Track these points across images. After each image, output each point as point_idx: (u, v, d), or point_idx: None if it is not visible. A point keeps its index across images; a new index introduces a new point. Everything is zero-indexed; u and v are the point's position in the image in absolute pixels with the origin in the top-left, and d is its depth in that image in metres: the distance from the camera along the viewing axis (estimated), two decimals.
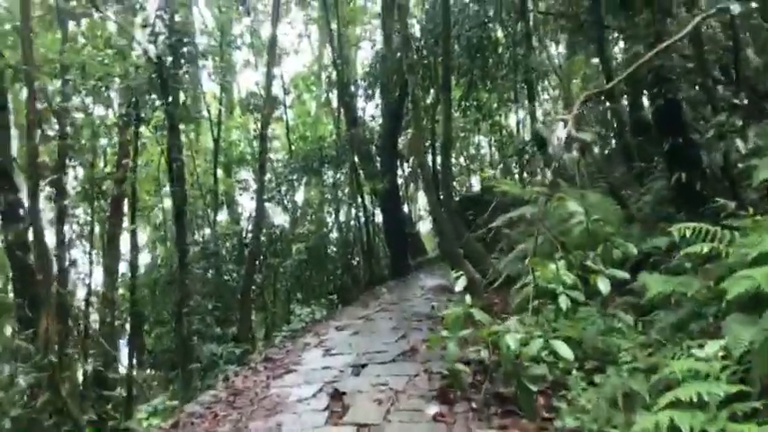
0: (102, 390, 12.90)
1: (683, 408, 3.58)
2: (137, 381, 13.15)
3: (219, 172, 19.82)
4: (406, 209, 22.27)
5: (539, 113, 14.24)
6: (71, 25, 15.18)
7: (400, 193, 20.50)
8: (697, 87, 7.98)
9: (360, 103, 19.93)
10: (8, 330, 15.40)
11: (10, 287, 14.54)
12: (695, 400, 3.54)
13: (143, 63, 12.55)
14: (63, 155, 13.66)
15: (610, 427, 4.11)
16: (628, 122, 12.06)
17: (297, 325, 11.32)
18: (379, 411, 5.32)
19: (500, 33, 16.34)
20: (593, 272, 5.29)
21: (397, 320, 9.79)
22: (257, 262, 15.76)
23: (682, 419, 3.45)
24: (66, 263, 14.15)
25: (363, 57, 24.21)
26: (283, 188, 19.12)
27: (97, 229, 17.46)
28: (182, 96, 13.90)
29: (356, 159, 17.78)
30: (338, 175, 18.95)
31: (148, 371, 16.49)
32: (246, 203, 21.22)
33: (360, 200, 17.59)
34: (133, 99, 13.83)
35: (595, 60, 15.45)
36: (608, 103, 12.13)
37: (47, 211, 15.00)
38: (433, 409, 5.19)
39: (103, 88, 13.57)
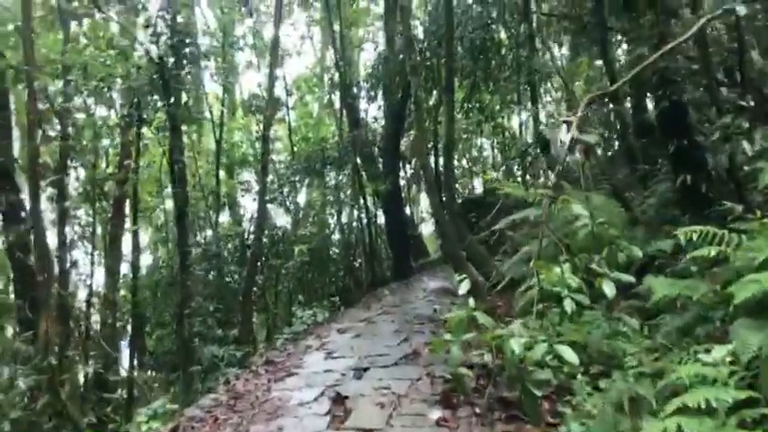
0: (102, 392, 12.85)
1: (690, 414, 3.52)
2: (138, 383, 13.10)
3: (221, 173, 19.77)
4: (408, 211, 22.26)
5: (542, 116, 14.18)
6: (73, 26, 15.16)
7: (402, 195, 20.48)
8: (702, 89, 7.91)
9: (362, 104, 19.93)
10: (9, 332, 15.40)
11: (11, 288, 14.52)
12: (703, 406, 3.48)
13: (145, 64, 12.52)
14: (65, 156, 13.64)
15: None
16: (631, 125, 12.00)
17: (298, 327, 11.26)
18: (381, 416, 5.27)
19: (503, 35, 16.29)
20: (599, 275, 5.23)
21: (399, 323, 9.75)
22: (259, 263, 15.72)
23: (690, 426, 3.41)
24: (68, 264, 14.10)
25: (366, 58, 24.26)
26: (285, 190, 19.09)
27: (99, 230, 17.44)
28: (184, 97, 13.86)
29: (358, 161, 17.73)
30: (340, 177, 18.92)
31: (149, 373, 16.44)
32: (248, 205, 21.28)
33: (362, 201, 17.54)
34: (135, 100, 13.80)
35: (598, 62, 15.42)
36: (611, 105, 12.06)
37: (48, 212, 14.99)
38: (436, 413, 5.14)
39: (105, 89, 13.53)
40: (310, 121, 23.54)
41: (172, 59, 12.01)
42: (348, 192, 18.64)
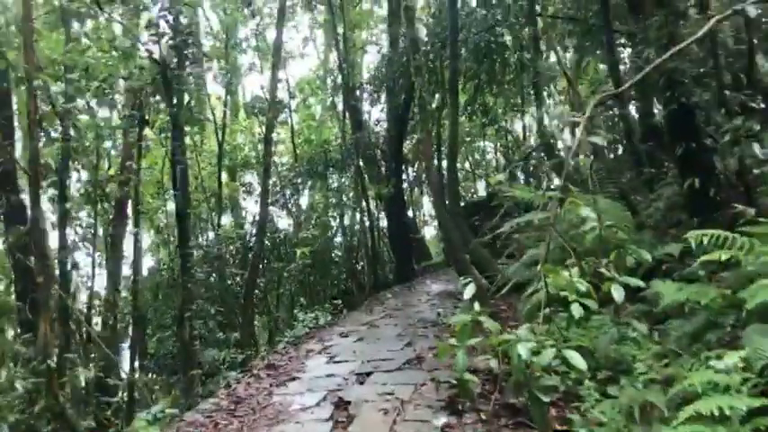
0: (103, 395, 12.77)
1: (703, 422, 3.45)
2: (138, 386, 13.00)
3: (224, 175, 19.76)
4: (410, 214, 22.19)
5: (546, 119, 14.11)
6: (75, 26, 15.11)
7: (405, 198, 20.43)
8: (711, 91, 7.81)
9: (365, 107, 19.94)
10: (10, 334, 15.33)
11: (12, 289, 14.46)
12: (716, 414, 3.40)
13: (147, 65, 12.46)
14: (66, 157, 13.57)
15: None
16: (636, 127, 11.91)
17: (300, 331, 11.17)
18: (385, 422, 5.18)
19: (508, 37, 16.22)
20: (607, 279, 5.13)
21: (402, 327, 9.68)
22: (261, 266, 15.67)
23: None
24: (69, 266, 14.03)
25: (369, 61, 24.26)
26: (288, 192, 19.08)
27: (100, 231, 17.37)
28: (186, 98, 13.80)
29: (361, 163, 17.70)
30: (343, 180, 18.92)
31: (150, 375, 16.36)
32: (250, 207, 21.30)
33: (364, 204, 17.48)
34: (137, 101, 13.73)
35: (602, 65, 15.36)
36: (617, 108, 11.98)
37: (49, 214, 14.92)
38: (441, 419, 5.05)
39: (108, 90, 13.46)
40: (313, 123, 23.51)
41: (174, 60, 11.95)
42: (350, 194, 18.61)
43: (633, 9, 9.48)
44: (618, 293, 5.02)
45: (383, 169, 19.08)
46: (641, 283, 5.30)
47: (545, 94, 17.36)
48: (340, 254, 18.63)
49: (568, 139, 16.46)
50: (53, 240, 13.50)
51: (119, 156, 17.45)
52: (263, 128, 16.92)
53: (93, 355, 14.03)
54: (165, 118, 14.24)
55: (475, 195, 25.41)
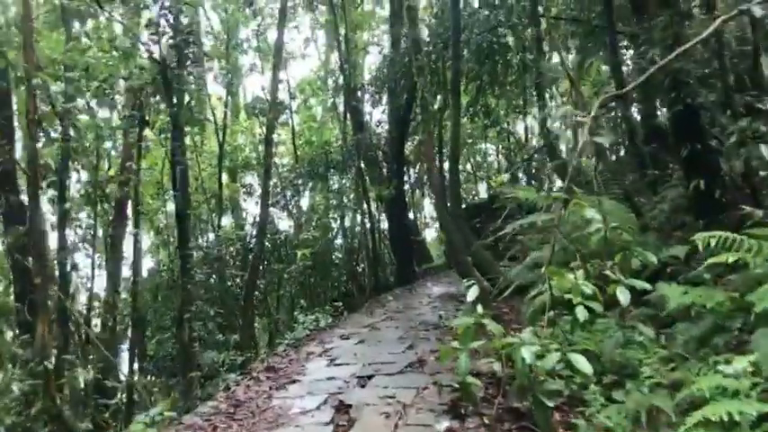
0: (101, 397, 12.69)
1: (712, 427, 3.39)
2: (137, 388, 12.93)
3: (224, 176, 19.71)
4: (411, 215, 22.13)
5: (548, 120, 14.01)
6: (76, 25, 15.06)
7: (406, 200, 20.37)
8: (716, 92, 7.74)
9: (366, 108, 19.89)
10: (9, 335, 15.27)
11: (11, 290, 14.41)
12: (725, 419, 3.32)
13: (147, 65, 12.40)
14: (66, 157, 13.51)
15: None
16: (640, 129, 11.83)
17: (300, 333, 11.07)
18: (386, 426, 5.10)
19: (510, 38, 16.15)
20: (612, 281, 5.05)
21: (403, 329, 9.61)
22: (261, 268, 15.60)
23: None
24: (68, 267, 13.96)
25: (371, 62, 24.17)
26: (288, 193, 19.02)
27: (100, 232, 17.31)
28: (186, 99, 13.73)
29: (362, 165, 17.65)
30: (344, 181, 18.86)
31: (149, 377, 16.28)
32: (251, 208, 21.22)
33: (365, 206, 17.41)
34: (137, 101, 13.67)
35: (605, 67, 15.29)
36: (620, 109, 11.91)
37: (49, 214, 14.87)
38: (444, 423, 4.97)
39: (108, 90, 13.41)
40: (314, 124, 23.49)
41: (174, 60, 11.89)
42: (351, 196, 18.54)
43: (637, 10, 9.43)
44: (624, 296, 4.95)
45: (384, 171, 19.02)
46: (647, 286, 5.22)
47: (547, 95, 17.30)
48: (341, 256, 18.56)
49: (571, 140, 16.41)
50: (53, 241, 13.48)
51: (119, 156, 17.40)
52: (264, 129, 16.85)
53: (91, 357, 13.94)
54: (165, 118, 14.17)
55: (477, 197, 25.39)
